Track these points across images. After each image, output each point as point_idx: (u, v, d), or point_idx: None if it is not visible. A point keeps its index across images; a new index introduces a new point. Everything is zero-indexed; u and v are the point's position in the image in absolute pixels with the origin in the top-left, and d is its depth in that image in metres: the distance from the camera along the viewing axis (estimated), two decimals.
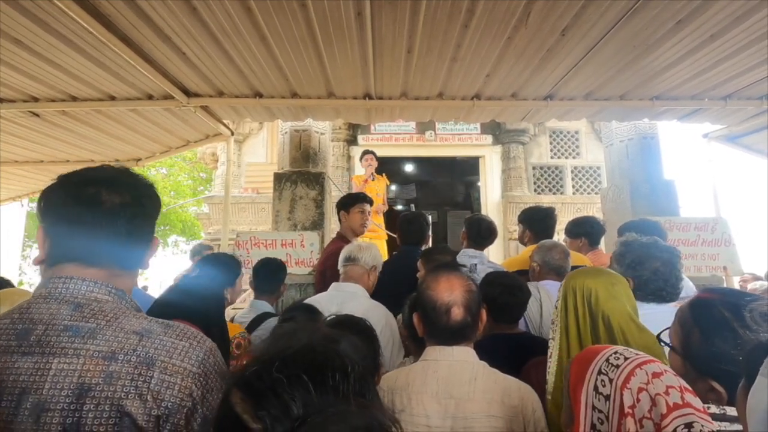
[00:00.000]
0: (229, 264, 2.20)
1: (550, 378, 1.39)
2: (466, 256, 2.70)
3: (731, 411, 0.87)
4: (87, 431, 0.73)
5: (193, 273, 2.08)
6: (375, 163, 5.62)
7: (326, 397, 0.53)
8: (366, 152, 5.72)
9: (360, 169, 6.57)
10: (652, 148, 4.44)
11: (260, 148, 8.27)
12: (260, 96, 3.21)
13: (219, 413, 0.58)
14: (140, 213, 0.89)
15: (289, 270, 3.00)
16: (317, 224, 4.11)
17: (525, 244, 3.03)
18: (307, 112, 3.50)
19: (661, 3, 2.13)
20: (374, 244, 5.19)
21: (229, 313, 3.57)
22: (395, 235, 3.18)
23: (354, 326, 1.43)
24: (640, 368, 0.83)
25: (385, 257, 4.83)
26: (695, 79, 2.98)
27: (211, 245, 5.50)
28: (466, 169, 9.65)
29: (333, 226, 4.27)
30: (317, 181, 4.23)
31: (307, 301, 2.14)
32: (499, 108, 3.44)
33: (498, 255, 7.18)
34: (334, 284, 2.31)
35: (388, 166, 7.20)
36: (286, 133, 4.52)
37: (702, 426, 0.72)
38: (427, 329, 1.34)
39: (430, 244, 3.64)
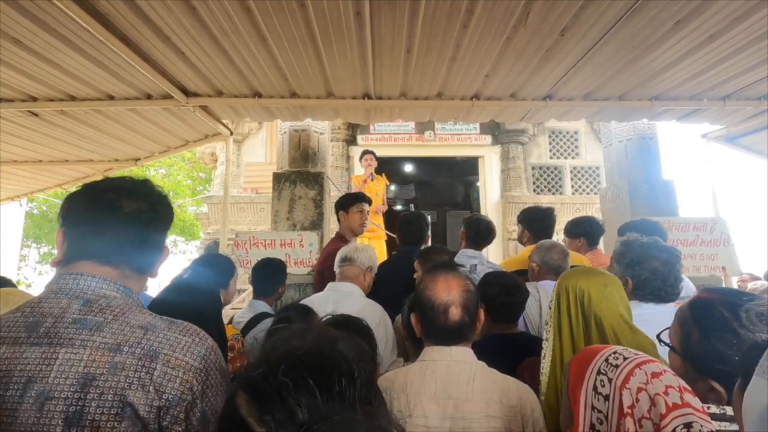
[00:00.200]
0: (222, 265, 2.19)
1: (544, 378, 1.39)
2: (465, 256, 2.70)
3: (731, 411, 0.87)
4: (89, 419, 0.75)
5: (185, 274, 2.07)
6: (375, 163, 5.62)
7: (332, 404, 0.52)
8: (366, 152, 5.71)
9: (359, 169, 6.56)
10: (651, 148, 4.44)
11: (259, 148, 8.26)
12: (259, 96, 3.20)
13: (224, 414, 0.58)
14: (155, 219, 0.95)
15: (288, 270, 2.99)
16: (316, 224, 4.11)
17: (524, 244, 3.03)
18: (307, 112, 3.50)
19: (660, 3, 2.13)
20: (371, 245, 5.21)
21: (228, 312, 3.57)
22: (394, 235, 3.18)
23: (351, 326, 1.43)
24: (639, 368, 0.83)
25: (385, 257, 4.83)
26: (694, 80, 2.98)
27: (217, 242, 5.50)
28: (466, 169, 9.65)
29: (332, 226, 4.26)
30: (316, 181, 4.23)
31: (303, 301, 2.14)
32: (498, 108, 3.44)
33: (497, 255, 7.18)
34: (330, 284, 2.32)
35: (387, 166, 7.20)
36: (285, 133, 4.52)
37: (701, 426, 0.72)
38: (425, 329, 1.34)
39: (429, 244, 3.64)
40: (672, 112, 3.52)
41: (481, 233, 2.83)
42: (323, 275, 2.95)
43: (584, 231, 3.20)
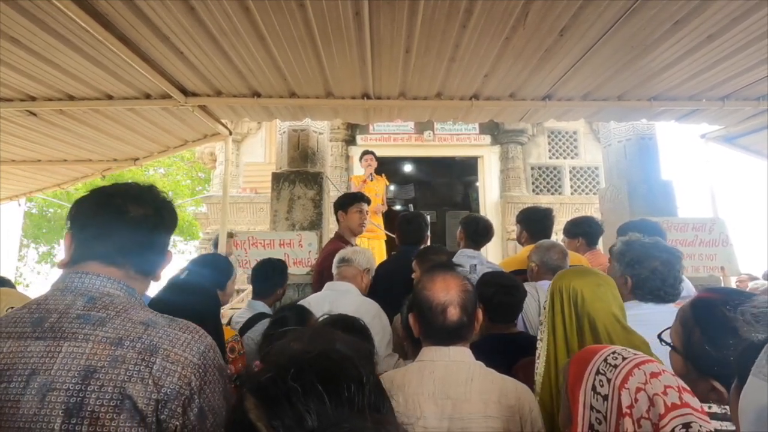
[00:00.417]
0: (219, 266, 2.18)
1: (538, 379, 1.39)
2: (465, 256, 2.70)
3: None
4: (89, 411, 0.77)
5: (183, 274, 2.07)
6: (374, 164, 5.62)
7: (341, 410, 0.52)
8: (366, 152, 5.71)
9: (358, 169, 6.56)
10: (650, 148, 4.45)
11: (259, 148, 8.26)
12: (258, 96, 3.20)
13: (233, 417, 0.58)
14: (160, 224, 0.99)
15: None
16: (315, 224, 4.11)
17: (522, 245, 3.03)
18: (306, 111, 3.50)
19: (659, 3, 2.13)
20: (370, 247, 5.21)
21: (226, 312, 3.57)
22: (394, 236, 3.18)
23: (349, 326, 1.43)
24: (638, 368, 0.83)
25: (384, 257, 4.84)
26: (693, 80, 2.98)
27: (233, 233, 5.49)
28: (465, 169, 9.66)
29: (331, 226, 4.26)
30: (315, 180, 4.23)
31: (301, 301, 2.15)
32: (497, 108, 3.44)
33: (496, 255, 7.19)
34: (328, 284, 2.34)
35: (386, 166, 7.20)
36: (284, 132, 4.52)
37: (700, 426, 0.72)
38: (423, 329, 1.34)
39: (428, 244, 3.64)
40: (671, 112, 3.52)
41: (480, 231, 2.84)
42: (322, 275, 2.95)
43: (583, 231, 3.20)
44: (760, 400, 0.58)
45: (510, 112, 3.57)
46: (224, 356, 1.67)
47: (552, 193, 7.95)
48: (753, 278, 5.26)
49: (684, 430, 0.72)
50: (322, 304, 2.15)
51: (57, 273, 0.97)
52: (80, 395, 0.77)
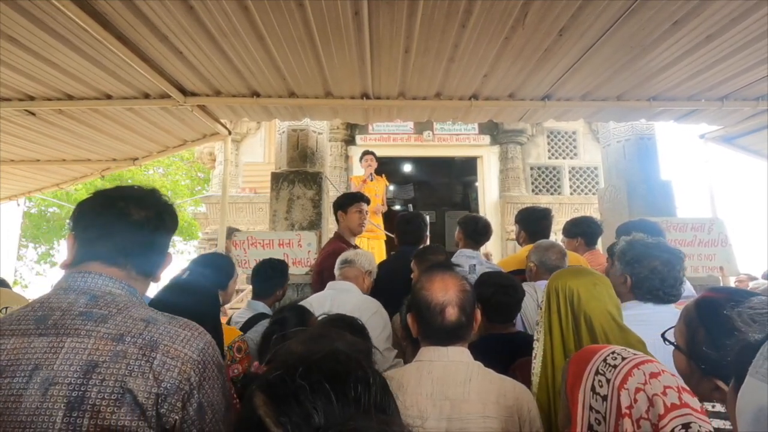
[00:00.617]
0: (221, 266, 2.17)
1: (535, 379, 1.39)
2: (464, 256, 2.70)
3: None
4: (90, 404, 0.78)
5: (185, 273, 2.06)
6: (375, 164, 5.62)
7: (347, 409, 0.53)
8: (366, 153, 5.71)
9: (358, 169, 6.56)
10: (649, 148, 4.45)
11: (258, 148, 8.26)
12: (258, 95, 3.20)
13: (242, 413, 0.59)
14: (161, 227, 1.02)
15: None
16: (315, 224, 4.11)
17: (521, 245, 3.04)
18: (305, 111, 3.50)
19: (657, 4, 2.13)
20: (371, 248, 5.21)
21: (227, 312, 3.56)
22: (393, 236, 3.18)
23: (348, 326, 1.43)
24: (637, 368, 0.83)
25: (384, 257, 4.83)
26: (692, 80, 2.99)
27: (239, 228, 5.50)
28: (464, 169, 9.66)
29: (330, 226, 4.26)
30: (315, 180, 4.22)
31: (303, 301, 2.16)
32: (496, 108, 3.44)
33: (496, 255, 7.19)
34: (330, 283, 2.36)
35: (386, 166, 7.20)
36: (283, 132, 4.51)
37: (699, 426, 0.72)
38: (421, 329, 1.34)
39: (428, 244, 3.64)
40: (670, 112, 3.52)
41: (479, 231, 2.84)
42: (322, 275, 2.95)
43: (582, 231, 3.21)
44: (758, 400, 0.57)
45: (509, 112, 3.57)
46: (223, 355, 1.66)
47: (551, 193, 7.96)
48: (752, 278, 5.26)
49: (683, 430, 0.72)
50: (323, 302, 2.16)
51: (56, 273, 0.98)
52: (82, 389, 0.79)
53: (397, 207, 10.70)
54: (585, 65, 2.76)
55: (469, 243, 2.84)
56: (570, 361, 0.98)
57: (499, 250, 7.50)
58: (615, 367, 0.86)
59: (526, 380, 1.42)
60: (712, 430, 0.74)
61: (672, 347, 1.08)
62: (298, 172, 4.25)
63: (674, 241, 3.73)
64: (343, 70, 2.83)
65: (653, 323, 1.58)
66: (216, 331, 1.56)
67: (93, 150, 4.22)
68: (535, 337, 1.46)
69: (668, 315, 1.61)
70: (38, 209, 13.51)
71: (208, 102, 3.25)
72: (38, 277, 14.02)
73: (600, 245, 3.68)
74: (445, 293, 1.30)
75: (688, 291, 2.42)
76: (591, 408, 0.87)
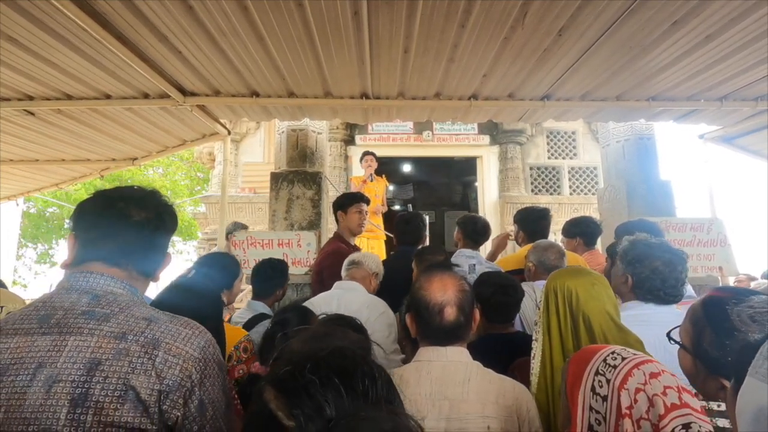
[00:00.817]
0: (226, 266, 2.16)
1: (534, 379, 1.39)
2: (463, 256, 2.70)
3: None
4: (94, 401, 0.80)
5: (189, 273, 2.05)
6: (375, 164, 5.62)
7: (357, 402, 0.55)
8: (366, 153, 5.71)
9: (357, 169, 6.56)
10: (648, 148, 4.45)
11: (257, 148, 8.25)
12: (257, 95, 3.19)
13: (253, 408, 0.61)
14: (161, 227, 1.03)
15: None
16: (314, 224, 4.11)
17: (520, 245, 3.04)
18: (304, 111, 3.49)
19: (657, 4, 2.13)
20: (371, 246, 5.20)
21: (234, 310, 3.55)
22: (393, 236, 3.18)
23: (347, 325, 1.43)
24: (637, 368, 0.83)
25: (383, 257, 4.83)
26: (691, 80, 2.99)
27: (245, 225, 5.49)
28: (464, 169, 9.66)
29: (330, 226, 4.26)
30: (314, 180, 4.22)
31: (310, 300, 2.19)
32: (496, 108, 3.44)
33: None
34: (337, 283, 2.36)
35: (385, 166, 7.20)
36: (282, 132, 4.51)
37: (700, 426, 0.72)
38: (420, 329, 1.34)
39: (427, 244, 3.64)
40: (669, 112, 3.52)
41: (478, 230, 2.84)
42: (321, 275, 2.95)
43: (581, 231, 3.21)
44: (758, 400, 0.57)
45: (509, 112, 3.57)
46: (224, 355, 1.66)
47: (551, 194, 7.96)
48: (752, 278, 5.26)
49: (684, 430, 0.72)
50: (330, 302, 2.17)
51: (56, 273, 0.98)
52: (85, 386, 0.80)
53: (397, 207, 10.71)
54: (584, 65, 2.76)
55: (468, 243, 2.84)
56: (570, 362, 0.98)
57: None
58: (615, 367, 0.85)
59: (525, 380, 1.42)
60: (712, 430, 0.74)
61: (674, 348, 1.07)
62: (298, 172, 4.25)
63: (673, 241, 3.72)
64: (342, 70, 2.83)
65: (654, 323, 1.58)
66: (217, 331, 1.56)
67: (92, 150, 4.22)
68: (533, 338, 1.47)
69: (669, 315, 1.61)
70: (38, 209, 13.50)
71: (207, 102, 3.25)
72: (37, 277, 14.04)
73: (599, 245, 3.68)
74: (443, 293, 1.30)
75: (689, 292, 2.42)
76: (591, 408, 0.87)
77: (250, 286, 3.31)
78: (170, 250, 1.11)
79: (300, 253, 3.85)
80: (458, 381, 1.23)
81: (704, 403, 0.97)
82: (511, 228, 3.20)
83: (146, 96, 3.15)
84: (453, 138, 8.02)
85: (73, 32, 2.33)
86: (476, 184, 8.52)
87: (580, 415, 0.88)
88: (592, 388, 0.87)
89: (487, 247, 4.33)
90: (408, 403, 1.20)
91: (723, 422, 0.91)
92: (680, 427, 0.73)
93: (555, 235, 5.95)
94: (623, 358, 0.86)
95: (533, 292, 2.22)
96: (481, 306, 1.81)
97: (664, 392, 0.78)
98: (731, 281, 4.12)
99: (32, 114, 3.27)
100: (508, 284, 1.95)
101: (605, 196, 4.62)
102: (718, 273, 3.90)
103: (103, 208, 0.99)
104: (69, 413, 0.79)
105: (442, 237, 10.28)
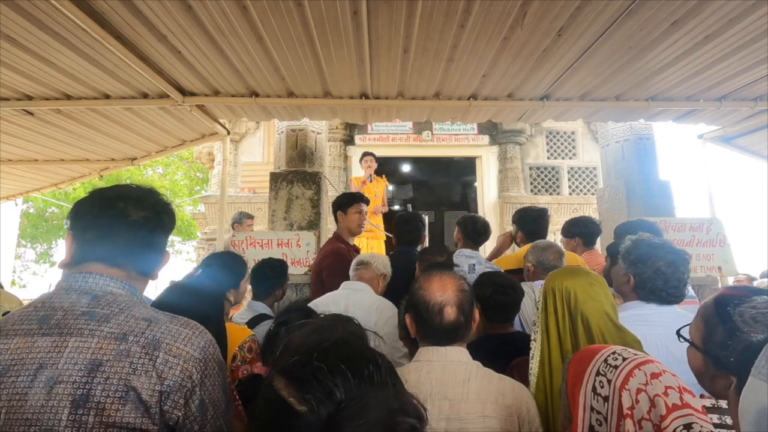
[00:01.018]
0: (232, 265, 2.14)
1: (532, 379, 1.39)
2: (463, 256, 2.70)
3: None
4: (95, 402, 0.80)
5: (196, 273, 2.05)
6: (374, 165, 5.62)
7: (364, 385, 0.57)
8: (366, 154, 5.72)
9: (357, 169, 6.56)
10: (647, 148, 4.46)
11: (257, 148, 8.24)
12: (256, 95, 3.19)
13: (263, 396, 0.62)
14: (160, 227, 1.03)
15: None
16: (313, 224, 4.10)
17: (518, 245, 3.04)
18: (304, 111, 3.49)
19: (656, 4, 2.13)
20: (370, 246, 5.20)
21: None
22: (392, 236, 3.18)
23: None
24: (638, 369, 0.83)
25: None
26: (690, 80, 2.99)
27: (251, 214, 5.49)
28: (463, 169, 9.66)
29: (329, 226, 4.25)
30: (314, 180, 4.22)
31: (316, 300, 2.19)
32: (495, 108, 3.44)
33: None
34: (344, 283, 2.36)
35: (385, 166, 7.19)
36: (282, 132, 4.50)
37: (701, 426, 0.72)
38: (420, 330, 1.34)
39: (426, 244, 3.64)
40: (668, 112, 3.52)
41: (478, 230, 2.84)
42: (320, 275, 2.95)
43: (580, 231, 3.21)
44: (761, 400, 0.57)
45: (508, 113, 3.57)
46: (225, 355, 1.65)
47: (550, 194, 7.96)
48: (751, 279, 5.27)
49: (685, 430, 0.72)
50: (338, 302, 2.16)
51: (55, 273, 0.98)
52: (86, 387, 0.80)
53: (396, 207, 10.70)
54: (584, 65, 2.76)
55: (468, 243, 2.84)
56: (571, 362, 0.98)
57: None
58: (616, 367, 0.85)
59: (524, 379, 1.42)
60: (713, 430, 0.74)
61: (676, 348, 1.07)
62: (297, 172, 4.25)
63: (673, 241, 3.73)
64: (341, 70, 2.83)
65: (656, 323, 1.58)
66: (219, 332, 1.55)
67: (91, 150, 4.22)
68: (532, 338, 1.47)
69: (671, 316, 1.61)
70: (37, 209, 13.48)
71: (206, 102, 3.25)
72: (34, 277, 14.01)
73: (598, 245, 3.68)
74: (443, 293, 1.30)
75: (690, 292, 2.42)
76: (592, 409, 0.87)
77: (249, 286, 3.31)
78: (169, 249, 1.10)
79: (299, 253, 3.85)
80: (458, 381, 1.22)
81: (713, 401, 0.97)
82: (511, 228, 3.20)
83: (145, 96, 3.14)
84: (452, 138, 8.01)
85: (72, 32, 2.33)
86: (476, 184, 8.52)
87: (581, 415, 0.88)
88: (593, 389, 0.87)
89: (487, 247, 4.34)
90: None
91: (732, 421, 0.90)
92: (682, 427, 0.73)
93: (554, 236, 5.96)
94: (624, 359, 0.86)
95: (533, 292, 2.22)
96: (481, 306, 1.81)
97: (665, 392, 0.78)
98: (731, 281, 4.12)
99: (31, 114, 3.26)
100: (508, 284, 1.95)
101: (604, 196, 4.62)
102: (717, 273, 3.90)
103: (100, 208, 0.98)
104: (70, 414, 0.79)
105: (441, 237, 10.27)
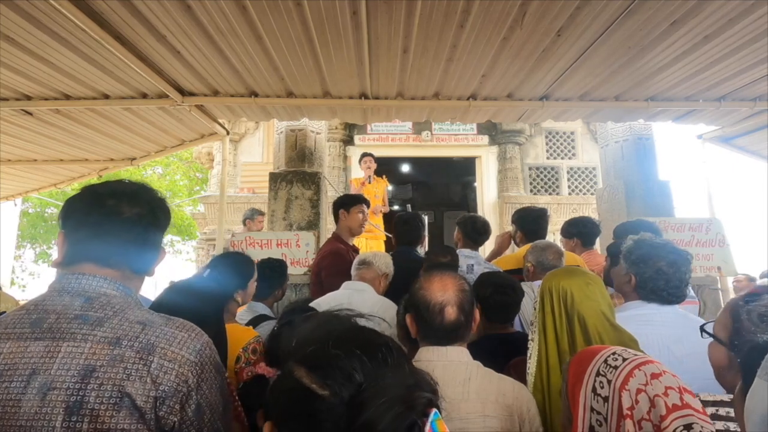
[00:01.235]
0: (240, 266, 2.12)
1: (530, 379, 1.39)
2: (462, 256, 2.70)
3: None
4: (89, 408, 0.79)
5: (204, 273, 2.03)
6: (374, 166, 5.62)
7: (381, 367, 0.60)
8: (365, 154, 5.72)
9: (356, 169, 6.56)
10: (647, 148, 4.46)
11: (256, 148, 8.24)
12: (256, 95, 3.19)
13: (283, 386, 0.63)
14: (154, 224, 0.99)
15: None
16: (313, 224, 4.10)
17: (518, 245, 3.04)
18: (303, 111, 3.49)
19: (655, 4, 2.13)
20: (369, 246, 5.20)
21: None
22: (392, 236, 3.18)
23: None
24: (638, 369, 0.83)
25: None
26: (689, 81, 2.99)
27: (262, 211, 5.48)
28: (463, 169, 9.66)
29: (329, 226, 4.25)
30: (313, 180, 4.22)
31: (317, 300, 2.19)
32: (495, 108, 3.44)
33: None
34: (346, 283, 2.35)
35: (384, 167, 7.19)
36: (281, 132, 4.50)
37: (702, 427, 0.72)
38: (420, 330, 1.34)
39: (426, 244, 3.64)
40: (668, 112, 3.53)
41: (478, 230, 2.84)
42: (319, 275, 2.95)
43: (579, 231, 3.21)
44: (766, 402, 0.57)
45: (507, 113, 3.57)
46: (224, 357, 1.64)
47: (550, 194, 7.96)
48: (750, 279, 5.27)
49: (686, 431, 0.72)
50: (339, 302, 2.15)
51: (53, 273, 0.96)
52: (80, 394, 0.79)
53: (396, 207, 10.70)
54: (583, 65, 2.76)
55: (467, 243, 2.84)
56: (571, 362, 0.98)
57: None
58: (616, 368, 0.85)
59: (521, 379, 1.42)
60: (713, 430, 0.73)
61: (677, 348, 1.07)
62: (297, 172, 4.25)
63: (672, 241, 3.74)
64: (341, 70, 2.83)
65: (657, 323, 1.58)
66: (218, 334, 1.54)
67: (90, 150, 4.21)
68: (529, 337, 1.47)
69: (672, 316, 1.61)
70: (36, 209, 13.47)
71: (206, 102, 3.24)
72: (32, 277, 13.99)
73: (598, 245, 3.68)
74: (443, 293, 1.30)
75: (690, 292, 2.42)
76: (592, 409, 0.86)
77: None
78: (165, 246, 1.08)
79: (299, 254, 3.84)
80: (459, 381, 1.22)
81: (731, 396, 0.96)
82: (510, 228, 3.20)
83: (144, 96, 3.14)
84: (452, 138, 8.02)
85: (71, 32, 2.33)
86: (475, 184, 8.52)
87: (581, 415, 0.88)
88: (593, 389, 0.87)
89: (486, 248, 4.33)
90: None
91: None
92: (682, 427, 0.72)
93: (554, 236, 5.96)
94: (624, 359, 0.86)
95: (532, 292, 2.22)
96: (481, 306, 1.81)
97: (665, 393, 0.77)
98: (730, 282, 4.13)
99: (30, 114, 3.26)
100: (508, 284, 1.95)
101: (604, 196, 4.62)
102: (716, 273, 3.90)
103: (92, 206, 0.94)
104: (64, 421, 0.78)
105: (441, 237, 10.28)
